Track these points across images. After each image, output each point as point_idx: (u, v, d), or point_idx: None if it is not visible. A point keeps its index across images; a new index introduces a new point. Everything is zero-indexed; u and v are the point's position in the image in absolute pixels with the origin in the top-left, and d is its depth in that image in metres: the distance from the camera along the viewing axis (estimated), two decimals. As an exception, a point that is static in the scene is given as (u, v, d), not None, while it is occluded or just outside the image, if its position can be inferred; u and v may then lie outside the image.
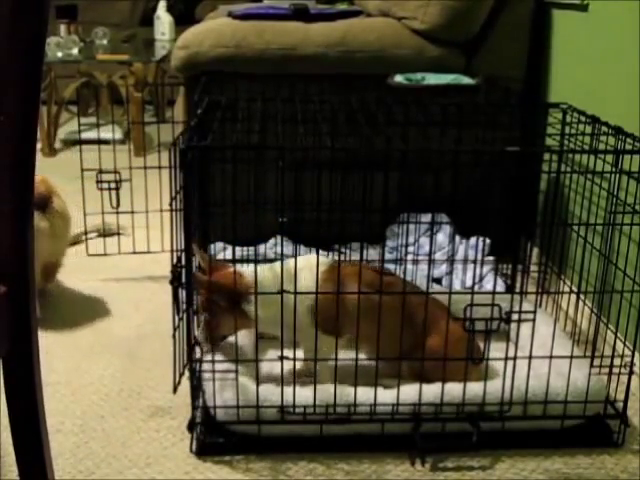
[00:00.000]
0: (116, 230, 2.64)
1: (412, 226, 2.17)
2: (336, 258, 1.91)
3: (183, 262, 1.51)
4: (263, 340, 1.66)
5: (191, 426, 1.62)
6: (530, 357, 1.56)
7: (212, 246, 2.30)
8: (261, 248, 2.35)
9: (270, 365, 1.65)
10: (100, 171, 2.35)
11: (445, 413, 1.58)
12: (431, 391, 1.58)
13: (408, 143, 1.72)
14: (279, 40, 2.42)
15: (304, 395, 1.56)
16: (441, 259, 2.33)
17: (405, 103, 2.01)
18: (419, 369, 1.61)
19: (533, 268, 2.10)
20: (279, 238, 2.32)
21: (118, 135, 3.68)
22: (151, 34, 4.52)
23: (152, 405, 1.75)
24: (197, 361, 1.60)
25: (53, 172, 2.43)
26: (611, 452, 1.62)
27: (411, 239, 2.31)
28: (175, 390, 1.55)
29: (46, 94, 3.93)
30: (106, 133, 3.35)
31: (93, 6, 5.10)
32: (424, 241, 2.32)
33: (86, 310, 2.22)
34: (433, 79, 2.34)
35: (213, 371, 1.55)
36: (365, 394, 1.57)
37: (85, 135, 2.64)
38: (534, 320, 1.55)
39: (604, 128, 1.75)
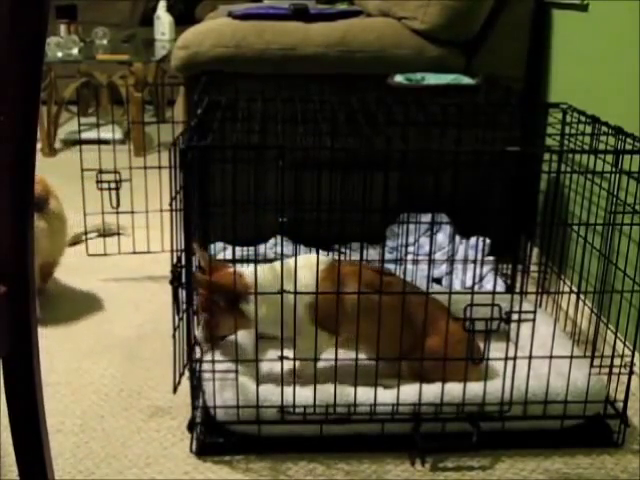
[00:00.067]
0: (116, 230, 2.64)
1: (412, 226, 2.17)
2: (336, 257, 1.90)
3: (183, 262, 1.51)
4: (263, 340, 1.66)
5: (191, 426, 1.62)
6: (530, 357, 1.56)
7: (212, 246, 2.30)
8: (261, 248, 2.35)
9: (270, 365, 1.65)
10: (100, 171, 2.35)
11: (445, 413, 1.58)
12: (431, 391, 1.58)
13: (408, 143, 1.72)
14: (279, 40, 2.42)
15: (304, 395, 1.56)
16: (441, 259, 2.33)
17: (405, 103, 2.01)
18: (419, 369, 1.61)
19: (533, 268, 2.10)
20: (279, 238, 2.32)
21: (118, 135, 3.68)
22: (151, 34, 4.52)
23: (152, 405, 1.75)
24: (197, 361, 1.60)
25: (53, 172, 2.44)
26: (611, 452, 1.62)
27: (411, 239, 2.31)
28: (175, 390, 1.55)
29: (46, 94, 3.93)
30: (106, 133, 3.35)
31: (93, 6, 5.10)
32: (424, 241, 2.32)
33: (86, 310, 2.22)
34: (433, 79, 2.34)
35: (213, 371, 1.55)
36: (365, 394, 1.57)
37: (85, 135, 2.64)
38: (534, 320, 1.55)
39: (604, 128, 1.75)
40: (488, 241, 2.27)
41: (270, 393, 1.57)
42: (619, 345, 1.66)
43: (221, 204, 1.78)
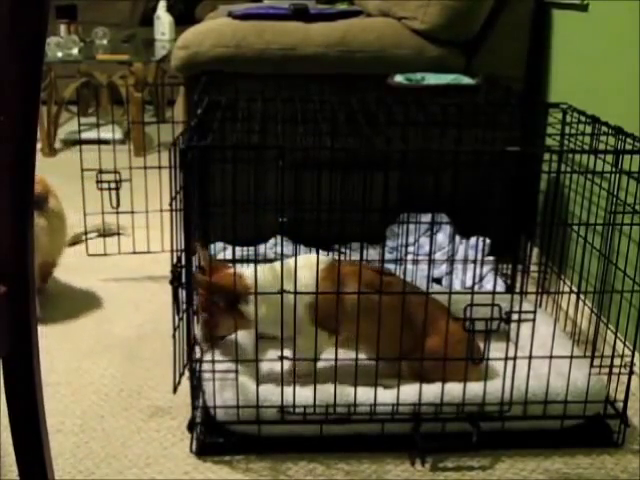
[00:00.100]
0: (116, 230, 2.64)
1: (412, 226, 2.17)
2: (336, 257, 1.91)
3: (183, 262, 1.51)
4: (263, 340, 1.66)
5: (191, 426, 1.62)
6: (530, 357, 1.56)
7: (212, 246, 2.30)
8: (261, 248, 2.35)
9: (270, 365, 1.65)
10: (100, 171, 2.35)
11: (445, 413, 1.58)
12: (431, 391, 1.58)
13: (408, 143, 1.72)
14: (279, 40, 2.42)
15: (304, 395, 1.56)
16: (441, 259, 2.33)
17: (405, 103, 2.01)
18: (419, 369, 1.61)
19: (533, 268, 2.10)
20: (279, 238, 2.32)
21: (118, 135, 3.68)
22: (151, 34, 4.52)
23: (152, 405, 1.75)
24: (197, 361, 1.60)
25: (53, 172, 2.44)
26: (611, 452, 1.62)
27: (411, 239, 2.31)
28: (175, 390, 1.55)
29: (46, 94, 3.93)
30: (106, 133, 3.35)
31: (93, 6, 5.10)
32: (424, 241, 2.32)
33: (86, 310, 2.22)
34: (433, 79, 2.34)
35: (213, 371, 1.55)
36: (365, 394, 1.57)
37: (85, 135, 2.64)
38: (534, 320, 1.55)
39: (604, 128, 1.75)
40: (488, 241, 2.27)
41: (270, 393, 1.56)
42: (619, 345, 1.66)
43: (221, 204, 1.78)
